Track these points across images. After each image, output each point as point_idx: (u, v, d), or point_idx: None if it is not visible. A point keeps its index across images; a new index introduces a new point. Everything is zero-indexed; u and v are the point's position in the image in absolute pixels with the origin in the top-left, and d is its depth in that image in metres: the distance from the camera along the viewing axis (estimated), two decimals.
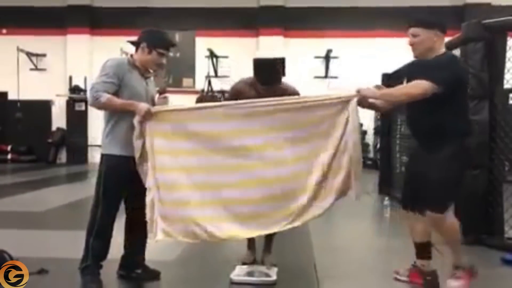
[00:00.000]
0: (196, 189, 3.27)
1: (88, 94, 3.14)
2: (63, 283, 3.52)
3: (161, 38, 3.38)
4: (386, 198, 6.46)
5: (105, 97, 3.12)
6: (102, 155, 3.31)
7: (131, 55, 3.39)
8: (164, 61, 3.40)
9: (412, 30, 3.22)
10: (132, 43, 3.40)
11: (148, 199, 3.27)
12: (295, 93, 3.57)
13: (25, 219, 5.97)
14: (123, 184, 3.29)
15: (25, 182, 9.95)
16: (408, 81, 3.30)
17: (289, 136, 3.26)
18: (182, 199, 3.27)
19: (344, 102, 3.22)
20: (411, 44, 3.24)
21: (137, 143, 3.24)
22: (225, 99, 3.83)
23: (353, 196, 3.22)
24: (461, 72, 3.24)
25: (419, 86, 3.09)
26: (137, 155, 3.24)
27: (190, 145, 3.29)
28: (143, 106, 3.20)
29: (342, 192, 3.24)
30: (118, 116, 3.23)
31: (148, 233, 3.33)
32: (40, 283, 3.39)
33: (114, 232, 3.34)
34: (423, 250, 3.38)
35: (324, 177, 3.22)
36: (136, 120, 3.21)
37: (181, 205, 3.27)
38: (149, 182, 3.27)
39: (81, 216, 6.52)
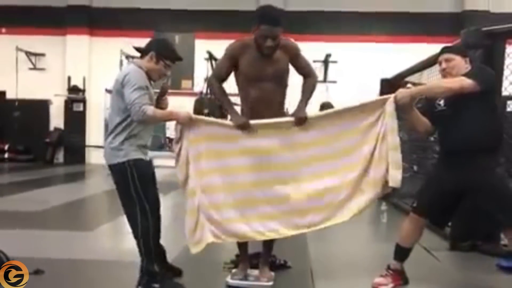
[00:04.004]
0: (241, 189, 3.32)
1: (132, 110, 3.09)
2: (59, 283, 3.52)
3: (170, 50, 3.41)
4: (383, 203, 6.45)
5: (150, 109, 3.14)
6: (122, 162, 3.20)
7: (138, 63, 3.35)
8: (168, 73, 3.43)
9: (446, 56, 3.33)
10: (139, 49, 3.41)
11: (193, 203, 3.33)
12: (296, 47, 3.50)
13: (21, 219, 5.95)
14: (153, 180, 3.37)
15: (22, 181, 9.92)
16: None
17: (326, 133, 3.33)
18: (228, 201, 3.33)
19: (381, 101, 3.29)
20: (444, 69, 3.32)
21: (176, 147, 3.35)
22: (220, 65, 3.50)
23: (390, 183, 3.21)
24: (492, 76, 3.31)
25: (457, 81, 3.15)
26: (176, 158, 3.35)
27: (231, 146, 3.34)
28: (185, 114, 3.29)
29: (385, 183, 3.26)
30: (136, 123, 3.23)
31: (188, 239, 3.36)
32: (36, 284, 3.37)
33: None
34: (407, 254, 3.52)
35: (366, 169, 3.27)
36: (178, 127, 3.32)
37: (226, 206, 3.32)
38: (192, 186, 3.33)
39: (78, 216, 6.54)
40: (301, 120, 3.33)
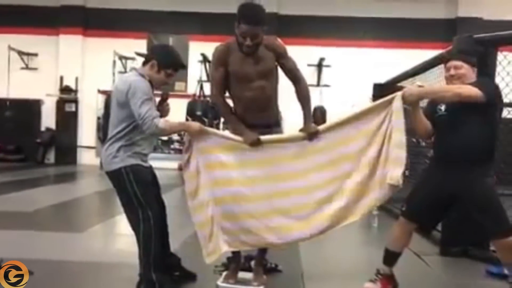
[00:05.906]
0: (253, 200, 3.30)
1: (144, 124, 3.06)
2: (49, 285, 3.49)
3: (172, 58, 3.35)
4: (375, 208, 6.47)
5: (161, 122, 3.12)
6: (118, 169, 3.18)
7: (140, 71, 3.30)
8: (170, 81, 3.40)
9: (456, 62, 3.32)
10: (141, 55, 3.39)
11: (206, 215, 3.32)
12: (282, 45, 3.49)
13: (11, 219, 5.91)
14: (154, 186, 3.37)
15: (12, 181, 9.85)
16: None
17: (335, 140, 3.31)
18: (241, 211, 3.30)
19: (388, 101, 3.26)
20: (453, 76, 3.31)
21: (184, 156, 3.34)
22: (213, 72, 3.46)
23: (388, 180, 3.16)
24: (497, 90, 3.31)
25: (466, 88, 3.13)
26: (184, 168, 3.35)
27: (241, 157, 3.32)
28: (196, 126, 3.28)
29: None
30: (136, 131, 3.19)
31: (203, 249, 3.36)
32: (25, 285, 3.34)
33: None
34: (396, 259, 3.49)
35: (374, 170, 3.25)
36: (187, 138, 3.32)
37: (240, 217, 3.31)
38: (204, 197, 3.33)
39: (69, 217, 6.50)
40: (313, 135, 3.32)
